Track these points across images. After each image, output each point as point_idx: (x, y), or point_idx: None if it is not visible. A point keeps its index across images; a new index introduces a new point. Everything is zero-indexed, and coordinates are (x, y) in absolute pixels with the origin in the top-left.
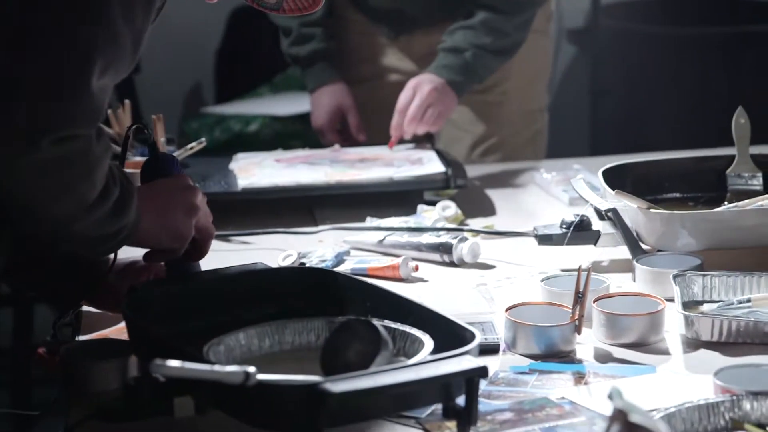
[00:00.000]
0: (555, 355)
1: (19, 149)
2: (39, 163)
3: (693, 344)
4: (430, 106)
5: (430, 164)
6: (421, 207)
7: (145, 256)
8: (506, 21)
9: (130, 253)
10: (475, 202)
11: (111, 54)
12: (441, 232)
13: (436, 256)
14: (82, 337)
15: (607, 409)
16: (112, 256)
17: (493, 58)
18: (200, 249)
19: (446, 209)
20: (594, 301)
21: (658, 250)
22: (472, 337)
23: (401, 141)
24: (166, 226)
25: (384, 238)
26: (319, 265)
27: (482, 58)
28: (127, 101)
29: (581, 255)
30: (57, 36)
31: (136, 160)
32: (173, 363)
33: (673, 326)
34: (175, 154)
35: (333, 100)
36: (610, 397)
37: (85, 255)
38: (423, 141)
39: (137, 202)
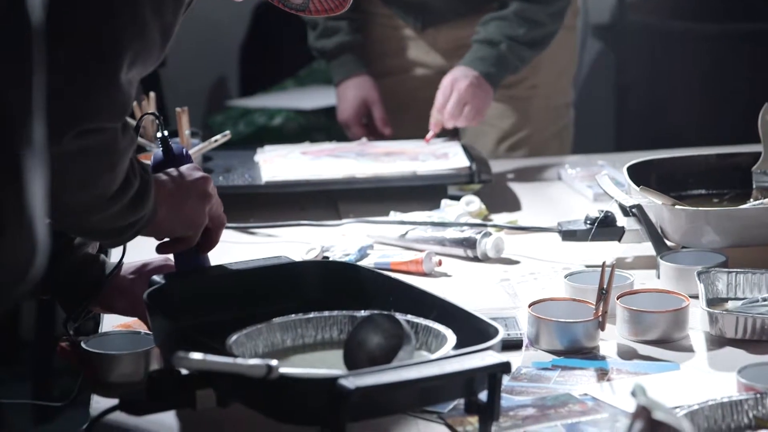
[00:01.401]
0: (578, 351)
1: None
2: (64, 154)
3: (717, 342)
4: (467, 103)
5: (455, 159)
6: (445, 201)
7: (158, 247)
8: (540, 10)
9: (138, 254)
10: (499, 197)
11: (139, 47)
12: (465, 227)
13: (460, 251)
14: (104, 330)
15: (630, 406)
16: (119, 254)
17: (528, 50)
18: (211, 238)
19: (470, 204)
20: (618, 298)
21: (683, 247)
22: (496, 332)
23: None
24: (180, 215)
25: (407, 233)
26: (342, 259)
27: (517, 50)
28: (151, 93)
29: (605, 251)
30: (85, 29)
31: (147, 153)
32: (196, 356)
33: (697, 323)
34: (199, 147)
35: (358, 93)
36: (633, 393)
37: (102, 244)
38: (449, 134)
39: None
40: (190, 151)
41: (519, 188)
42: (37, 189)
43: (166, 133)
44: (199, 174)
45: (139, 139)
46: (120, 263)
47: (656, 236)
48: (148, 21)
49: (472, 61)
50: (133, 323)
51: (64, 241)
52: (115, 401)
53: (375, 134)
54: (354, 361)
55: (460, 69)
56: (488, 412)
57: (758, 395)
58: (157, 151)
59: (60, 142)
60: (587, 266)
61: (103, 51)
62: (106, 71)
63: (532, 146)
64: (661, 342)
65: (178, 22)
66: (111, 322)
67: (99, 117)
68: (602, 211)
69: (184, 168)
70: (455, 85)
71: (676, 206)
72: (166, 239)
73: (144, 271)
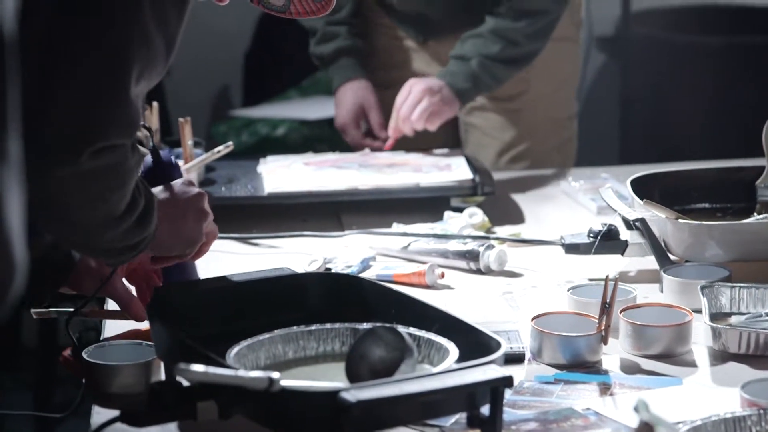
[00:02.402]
0: (581, 365)
1: (60, 160)
2: (79, 173)
3: (720, 356)
4: (420, 103)
5: (458, 171)
6: (447, 214)
7: (153, 259)
8: (517, 29)
9: None
10: (502, 210)
11: (145, 60)
12: (467, 240)
13: (463, 264)
14: (106, 340)
15: (633, 421)
16: None
17: (503, 68)
18: (202, 249)
19: (473, 216)
20: (621, 312)
21: (686, 261)
22: (498, 346)
23: (428, 147)
24: (178, 233)
25: (409, 245)
26: (345, 271)
27: (489, 67)
28: (155, 103)
29: (608, 265)
30: (93, 46)
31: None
32: (198, 367)
33: (700, 338)
34: (201, 158)
35: (355, 97)
36: (636, 409)
37: (107, 263)
38: (452, 145)
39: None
40: (193, 162)
41: (522, 201)
42: (14, 207)
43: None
44: (195, 191)
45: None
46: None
47: (659, 250)
48: (153, 34)
49: (443, 74)
50: (135, 329)
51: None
52: (116, 412)
53: (372, 138)
54: (356, 374)
55: (425, 77)
56: (490, 426)
57: (761, 411)
58: (147, 158)
59: (78, 162)
60: (590, 280)
61: (112, 67)
62: (117, 87)
63: (533, 158)
64: (664, 356)
65: (181, 31)
66: (113, 332)
67: (113, 134)
68: (605, 225)
69: (178, 185)
70: (412, 87)
71: (680, 220)
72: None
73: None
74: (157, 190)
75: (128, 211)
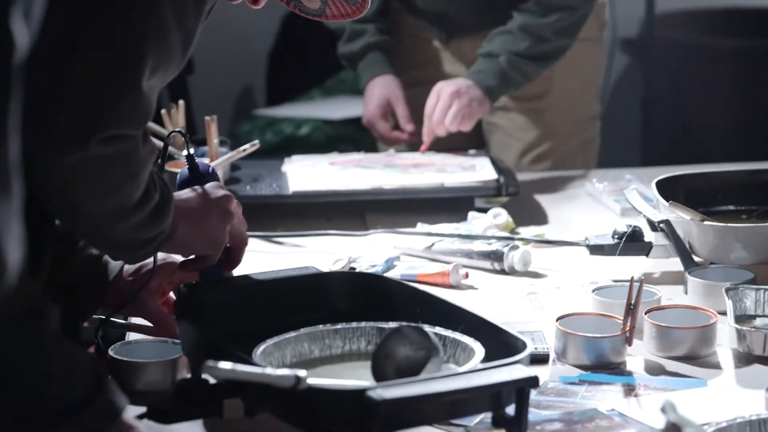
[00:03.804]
0: (605, 366)
1: (68, 147)
2: (87, 162)
3: (745, 359)
4: (451, 107)
5: (483, 171)
6: (472, 214)
7: (181, 264)
8: (545, 26)
9: None
10: (526, 210)
11: (160, 55)
12: (492, 240)
13: (487, 264)
14: (131, 337)
15: (659, 422)
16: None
17: (532, 64)
18: (234, 258)
19: (497, 217)
20: (645, 313)
21: (711, 263)
22: (524, 346)
23: (454, 148)
24: (200, 233)
25: (433, 244)
26: (369, 270)
27: (518, 64)
28: (181, 102)
29: (633, 266)
30: (107, 37)
31: (175, 161)
32: (225, 365)
33: (725, 340)
34: (227, 156)
35: (382, 91)
36: (663, 410)
37: (122, 260)
38: (476, 146)
39: (174, 209)
40: (220, 160)
41: (546, 201)
42: (6, 205)
43: (192, 150)
44: (222, 192)
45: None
46: (153, 271)
47: (684, 252)
48: (170, 28)
49: (471, 74)
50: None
51: (68, 244)
52: (142, 409)
53: (399, 131)
54: (382, 373)
55: (454, 79)
56: (515, 427)
57: None
58: (184, 169)
59: (86, 148)
60: (614, 281)
61: (126, 58)
62: (129, 78)
63: (555, 159)
64: (689, 358)
65: (199, 29)
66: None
67: (122, 124)
68: (630, 226)
69: (207, 186)
70: (441, 92)
71: (705, 222)
72: (191, 257)
73: (140, 273)
74: (183, 191)
75: (141, 203)
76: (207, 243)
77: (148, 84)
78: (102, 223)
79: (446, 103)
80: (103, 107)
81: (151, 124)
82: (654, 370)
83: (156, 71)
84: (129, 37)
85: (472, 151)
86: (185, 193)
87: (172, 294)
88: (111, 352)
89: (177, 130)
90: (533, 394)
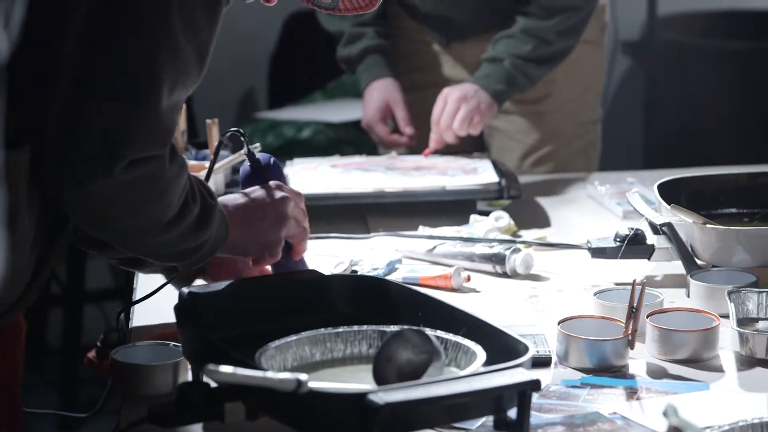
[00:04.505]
0: (607, 369)
1: (92, 176)
2: (115, 186)
3: (747, 362)
4: (458, 112)
5: (484, 174)
6: (473, 217)
7: (254, 263)
8: (548, 28)
9: None
10: (528, 213)
11: (175, 72)
12: (494, 243)
13: (489, 267)
14: (133, 341)
15: (660, 426)
16: None
17: (536, 67)
18: (298, 247)
19: (499, 220)
20: (647, 316)
21: (713, 266)
22: (526, 349)
23: (455, 151)
24: (254, 237)
25: (435, 247)
26: (371, 273)
27: (522, 67)
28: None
29: (635, 269)
30: (120, 62)
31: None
32: (226, 368)
33: (728, 343)
34: (228, 159)
35: (381, 94)
36: (665, 414)
37: (173, 266)
38: (476, 148)
39: (227, 214)
40: (221, 163)
41: (548, 204)
42: None
43: (255, 147)
44: (279, 195)
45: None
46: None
47: (686, 255)
48: (181, 44)
49: (477, 79)
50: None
51: None
52: (143, 413)
53: (398, 134)
54: (383, 377)
55: (460, 85)
56: (517, 430)
57: None
58: (245, 164)
59: (110, 175)
60: (617, 284)
61: (141, 81)
62: (147, 101)
63: (557, 162)
64: (691, 361)
65: (214, 38)
66: (140, 333)
67: (146, 146)
68: (632, 229)
69: (264, 189)
70: (448, 97)
71: (707, 225)
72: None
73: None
74: (236, 195)
75: (179, 217)
76: (261, 246)
77: (168, 103)
78: (137, 238)
79: (453, 108)
80: (124, 133)
81: None
82: (656, 373)
83: (174, 89)
84: (141, 60)
85: (476, 154)
86: (239, 198)
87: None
88: (113, 355)
89: (234, 129)
90: (535, 398)
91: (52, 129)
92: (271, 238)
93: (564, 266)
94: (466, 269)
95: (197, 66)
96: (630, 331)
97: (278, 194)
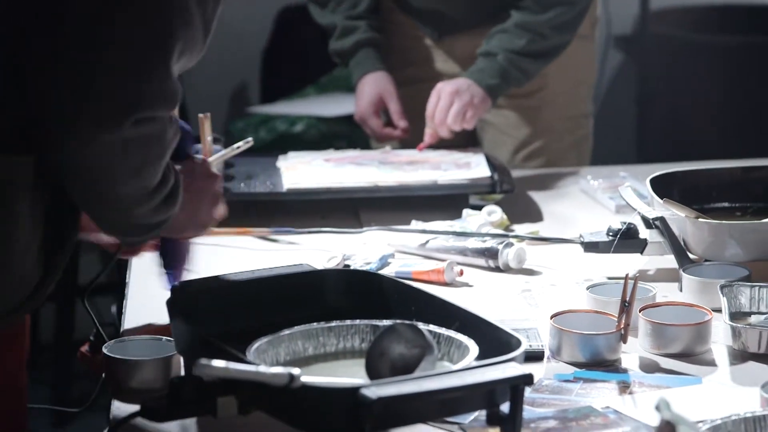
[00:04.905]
0: (600, 363)
1: (103, 127)
2: (120, 142)
3: (740, 356)
4: (452, 106)
5: (477, 168)
6: (466, 211)
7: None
8: (542, 22)
9: None
10: (520, 208)
11: (186, 37)
12: (486, 237)
13: (482, 261)
14: (125, 336)
15: (653, 420)
16: None
17: (531, 62)
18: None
19: (492, 214)
20: (640, 310)
21: (706, 260)
22: (518, 343)
23: (449, 146)
24: (194, 217)
25: (428, 242)
26: (364, 268)
27: (516, 61)
28: None
29: (627, 263)
30: (138, 15)
31: None
32: (218, 363)
33: (720, 337)
34: (221, 153)
35: (374, 88)
36: (657, 408)
37: (130, 243)
38: (469, 142)
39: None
40: (214, 158)
41: (540, 199)
42: None
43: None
44: (210, 173)
45: None
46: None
47: (679, 249)
48: (193, 12)
49: (471, 74)
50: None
51: None
52: (135, 407)
53: (391, 127)
54: (376, 371)
55: (454, 80)
56: (510, 424)
57: None
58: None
59: (120, 128)
60: (609, 278)
61: (156, 38)
62: (160, 58)
63: (549, 157)
64: (684, 355)
65: (216, 18)
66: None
67: (156, 105)
68: (625, 223)
69: (196, 166)
70: (441, 92)
71: (699, 219)
72: None
73: None
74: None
75: (161, 185)
76: (198, 226)
77: (176, 67)
78: (126, 206)
79: (447, 103)
80: (139, 89)
81: None
82: (649, 367)
83: (182, 54)
84: (157, 16)
85: (470, 149)
86: (183, 176)
87: None
88: (105, 350)
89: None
90: (528, 392)
91: (64, 77)
92: (208, 218)
93: (557, 260)
94: (458, 263)
95: (202, 37)
96: (623, 326)
97: (209, 172)
